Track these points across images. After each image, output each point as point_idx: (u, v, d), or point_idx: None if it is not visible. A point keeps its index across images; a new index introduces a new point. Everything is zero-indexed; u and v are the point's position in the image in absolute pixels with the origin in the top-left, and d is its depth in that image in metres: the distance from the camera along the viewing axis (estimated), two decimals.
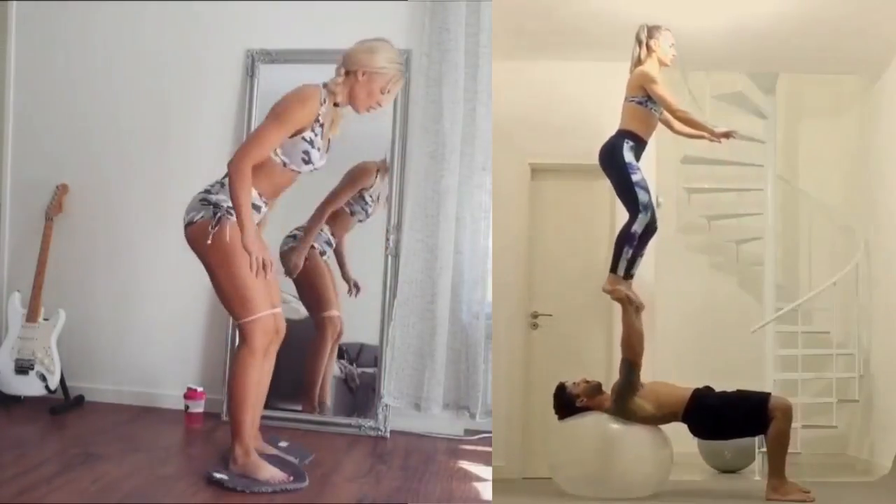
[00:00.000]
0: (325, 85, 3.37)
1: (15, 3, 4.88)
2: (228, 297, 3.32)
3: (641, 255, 4.01)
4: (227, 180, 3.27)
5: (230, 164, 3.23)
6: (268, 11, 4.56)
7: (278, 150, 3.30)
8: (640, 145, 4.10)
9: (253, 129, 4.46)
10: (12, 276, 4.86)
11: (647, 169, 4.54)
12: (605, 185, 4.67)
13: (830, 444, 5.33)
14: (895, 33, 4.58)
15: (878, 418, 4.96)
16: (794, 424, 3.87)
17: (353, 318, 4.48)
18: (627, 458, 3.83)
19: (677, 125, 4.22)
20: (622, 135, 4.08)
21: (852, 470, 5.06)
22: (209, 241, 3.22)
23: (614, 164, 4.06)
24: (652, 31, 4.13)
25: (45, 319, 4.54)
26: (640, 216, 3.93)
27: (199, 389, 4.38)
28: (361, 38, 3.44)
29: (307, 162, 3.37)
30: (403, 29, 4.44)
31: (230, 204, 3.24)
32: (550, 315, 4.94)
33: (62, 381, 4.52)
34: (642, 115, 4.08)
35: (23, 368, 4.47)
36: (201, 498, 3.22)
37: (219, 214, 3.24)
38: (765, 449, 3.97)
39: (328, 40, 4.44)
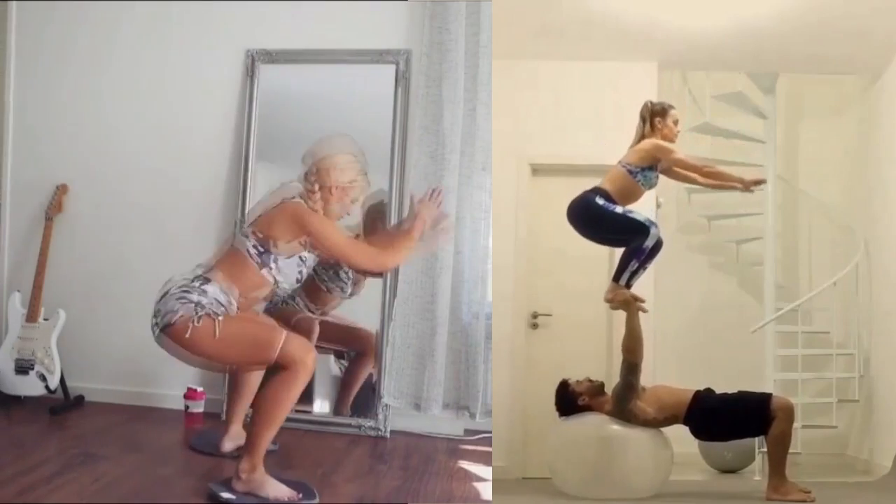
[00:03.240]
0: (303, 198, 3.32)
1: (15, 3, 4.88)
2: (245, 358, 3.21)
3: (644, 269, 3.97)
4: (209, 287, 3.14)
5: (386, 268, 3.49)
6: (268, 11, 4.56)
7: (274, 270, 3.25)
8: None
9: (253, 136, 4.53)
10: (12, 276, 4.85)
11: None
12: None
13: (830, 444, 5.33)
14: (895, 33, 4.58)
15: (878, 418, 4.96)
16: (794, 424, 3.87)
17: (354, 318, 4.47)
18: (628, 459, 3.83)
19: (702, 180, 4.13)
20: (595, 191, 3.98)
21: (852, 470, 5.07)
22: (196, 338, 3.06)
23: (591, 214, 3.96)
24: (656, 110, 4.06)
25: (45, 319, 4.54)
26: (652, 230, 3.88)
27: (199, 389, 4.38)
28: (324, 140, 3.43)
29: (298, 281, 3.40)
30: (403, 29, 4.45)
31: (213, 308, 3.12)
32: (550, 315, 4.94)
33: (62, 381, 4.52)
34: (628, 184, 3.98)
35: (23, 368, 4.47)
36: (201, 498, 3.21)
37: (201, 313, 3.08)
38: (765, 449, 3.97)
39: (328, 40, 4.47)
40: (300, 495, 3.20)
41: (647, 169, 3.99)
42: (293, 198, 3.32)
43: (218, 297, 3.16)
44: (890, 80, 4.96)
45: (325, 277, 4.36)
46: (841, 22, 4.43)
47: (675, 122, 4.08)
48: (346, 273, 4.36)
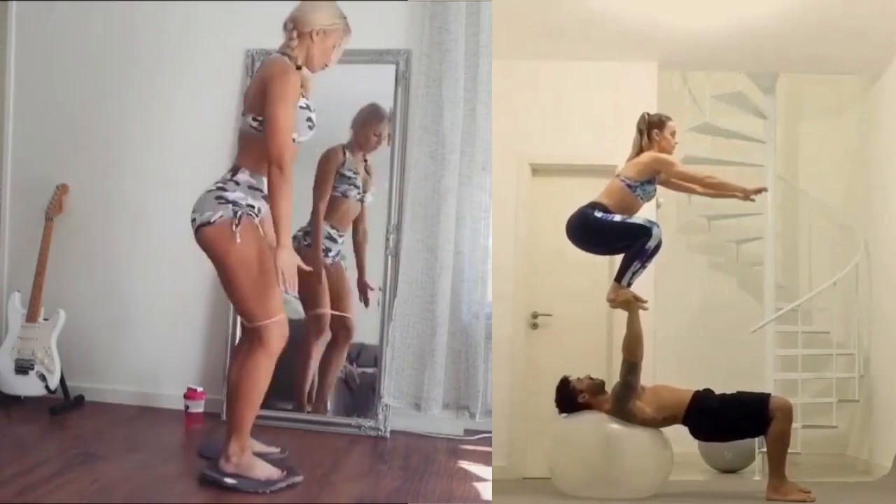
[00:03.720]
0: (283, 53, 3.31)
1: (15, 3, 4.88)
2: (246, 298, 3.22)
3: (645, 268, 3.97)
4: (240, 177, 3.22)
5: (276, 170, 3.06)
6: (268, 11, 4.55)
7: None
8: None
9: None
10: (12, 276, 4.85)
11: None
12: (604, 185, 4.68)
13: (830, 444, 5.33)
14: (895, 33, 4.58)
15: (878, 418, 4.96)
16: (794, 424, 3.87)
17: (355, 317, 4.46)
18: (628, 459, 3.83)
19: (703, 190, 4.14)
20: (592, 205, 3.97)
21: (852, 470, 5.07)
22: (231, 242, 3.13)
23: (589, 227, 3.95)
24: (653, 122, 4.04)
25: (45, 319, 4.54)
26: (654, 231, 3.87)
27: (199, 389, 4.38)
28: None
29: (311, 128, 3.34)
30: (403, 29, 4.45)
31: (249, 202, 3.20)
32: (550, 315, 4.94)
33: (62, 381, 4.51)
34: (626, 198, 3.97)
35: (23, 368, 4.47)
36: (201, 498, 3.21)
37: (240, 213, 3.16)
38: (765, 449, 3.97)
39: None
40: (285, 473, 3.31)
41: (646, 182, 3.99)
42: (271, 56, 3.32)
43: (250, 183, 3.23)
44: (890, 80, 4.96)
45: (335, 182, 4.40)
46: (841, 22, 4.43)
47: (673, 134, 4.06)
48: (350, 169, 4.39)
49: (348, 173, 4.42)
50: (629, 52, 4.85)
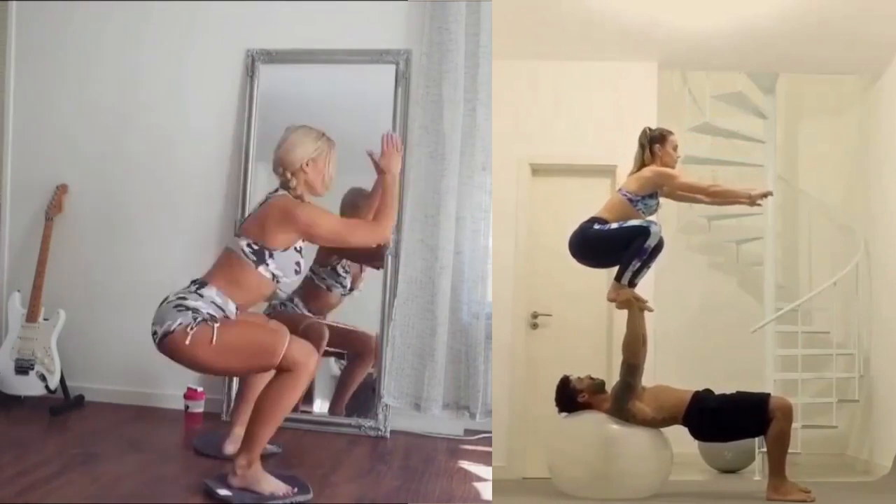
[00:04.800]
0: (284, 189, 3.34)
1: (15, 3, 4.88)
2: (246, 366, 3.21)
3: (648, 268, 3.97)
4: (205, 291, 3.17)
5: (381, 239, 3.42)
6: (268, 11, 4.56)
7: (271, 265, 3.23)
8: None
9: (253, 136, 4.53)
10: (12, 276, 4.85)
11: None
12: (604, 185, 4.69)
13: (830, 444, 5.33)
14: (895, 33, 4.58)
15: (878, 418, 4.96)
16: (794, 424, 3.87)
17: (354, 318, 4.47)
18: (628, 459, 3.83)
19: (708, 200, 4.14)
20: (592, 220, 3.96)
21: (852, 470, 5.07)
22: (192, 346, 3.05)
23: (589, 240, 3.95)
24: (655, 136, 4.03)
25: (45, 319, 4.54)
26: (652, 229, 3.86)
27: (199, 389, 4.38)
28: (285, 129, 3.42)
29: (297, 273, 3.35)
30: (403, 29, 4.45)
31: (210, 312, 3.14)
32: (550, 315, 4.94)
33: (62, 381, 4.51)
34: (628, 212, 3.95)
35: (23, 368, 4.47)
36: (201, 498, 3.21)
37: (199, 319, 3.08)
38: (765, 449, 3.97)
39: (328, 40, 4.47)
40: (295, 489, 3.23)
41: (648, 197, 3.98)
42: (276, 191, 3.35)
43: (214, 300, 3.18)
44: (890, 80, 4.96)
45: (324, 275, 4.37)
46: (841, 22, 4.43)
47: (675, 148, 4.05)
48: (344, 268, 4.38)
49: (341, 271, 4.39)
50: (629, 52, 4.85)
